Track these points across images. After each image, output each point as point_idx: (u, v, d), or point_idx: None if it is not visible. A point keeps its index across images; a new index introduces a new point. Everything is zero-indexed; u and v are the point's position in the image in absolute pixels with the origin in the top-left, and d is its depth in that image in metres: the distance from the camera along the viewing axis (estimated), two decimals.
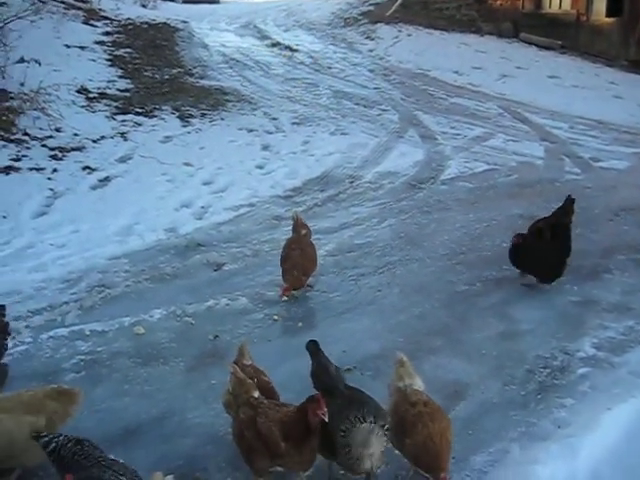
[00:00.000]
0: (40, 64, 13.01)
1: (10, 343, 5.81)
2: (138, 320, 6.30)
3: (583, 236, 8.67)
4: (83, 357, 5.72)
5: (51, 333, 6.05)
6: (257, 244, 8.19)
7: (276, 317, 6.43)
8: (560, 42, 22.03)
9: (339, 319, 6.46)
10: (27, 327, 6.13)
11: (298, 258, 6.61)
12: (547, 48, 22.00)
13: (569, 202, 7.43)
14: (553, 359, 5.88)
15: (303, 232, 7.04)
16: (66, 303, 6.58)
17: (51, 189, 9.25)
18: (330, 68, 19.28)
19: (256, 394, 4.00)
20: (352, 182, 10.70)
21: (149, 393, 5.25)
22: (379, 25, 23.86)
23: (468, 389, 5.37)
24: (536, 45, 22.28)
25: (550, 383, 5.51)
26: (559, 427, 4.88)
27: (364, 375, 5.52)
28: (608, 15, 20.94)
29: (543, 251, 7.03)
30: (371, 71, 19.35)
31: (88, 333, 6.08)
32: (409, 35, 22.98)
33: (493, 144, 13.09)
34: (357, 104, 15.68)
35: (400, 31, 23.21)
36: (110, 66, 16.64)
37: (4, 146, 10.51)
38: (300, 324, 6.34)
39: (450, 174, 11.19)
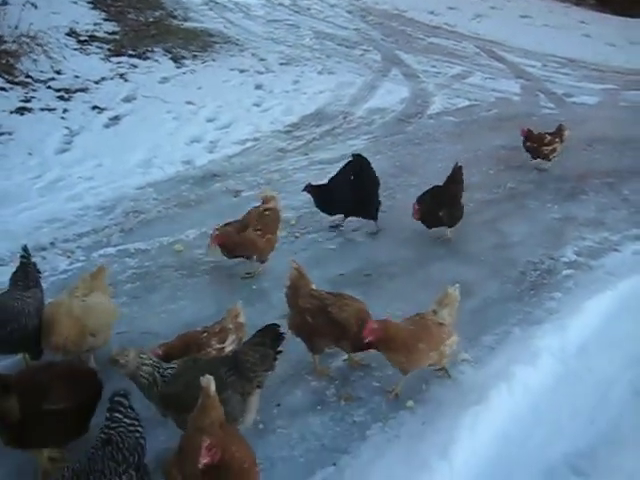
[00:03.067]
0: (37, 7, 13.24)
1: (67, 262, 6.61)
2: (175, 240, 7.06)
3: (560, 164, 9.65)
4: (134, 271, 6.47)
5: (101, 252, 6.78)
6: (267, 173, 8.94)
7: (297, 235, 7.23)
8: None
9: (353, 236, 7.28)
10: (78, 247, 6.84)
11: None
12: None
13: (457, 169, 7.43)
14: (541, 263, 6.84)
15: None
16: (107, 227, 7.29)
17: (67, 127, 9.78)
18: (309, 9, 19.65)
19: (314, 286, 4.84)
20: (345, 117, 11.43)
21: (200, 297, 6.05)
22: None
23: (472, 287, 6.27)
24: None
25: (540, 282, 6.47)
26: (550, 314, 5.84)
27: (381, 277, 6.39)
28: None
29: None
30: (349, 12, 19.78)
31: (133, 251, 6.83)
32: None
33: (472, 81, 13.87)
34: (339, 45, 16.22)
35: None
36: (93, 9, 16.73)
37: (11, 88, 10.91)
38: (320, 238, 7.14)
39: (435, 109, 11.98)
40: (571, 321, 5.59)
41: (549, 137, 9.29)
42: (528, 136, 9.26)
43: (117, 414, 3.56)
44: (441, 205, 7.02)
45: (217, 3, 19.07)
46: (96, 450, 3.48)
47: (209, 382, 3.52)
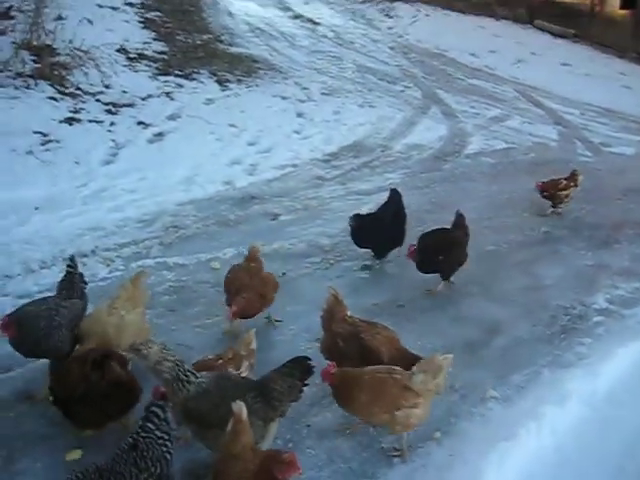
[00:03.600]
0: (92, 23, 13.68)
1: (106, 270, 6.78)
2: (213, 257, 7.22)
3: (595, 212, 9.72)
4: (172, 284, 6.63)
5: (139, 263, 6.95)
6: (305, 200, 9.11)
7: (332, 262, 7.33)
8: (573, 31, 22.84)
9: (387, 267, 7.39)
10: (118, 257, 7.03)
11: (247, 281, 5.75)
12: (560, 36, 22.82)
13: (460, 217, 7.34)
14: (572, 308, 6.86)
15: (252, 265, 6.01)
16: (147, 239, 7.48)
17: (113, 140, 10.06)
18: (352, 43, 20.04)
19: (349, 312, 4.94)
20: (383, 151, 11.60)
21: None
22: (397, 3, 24.55)
23: (502, 327, 6.33)
24: (550, 32, 23.09)
25: (571, 327, 6.50)
26: (580, 359, 5.86)
27: (414, 310, 6.48)
28: (622, 7, 21.78)
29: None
30: (391, 48, 20.13)
31: (172, 265, 6.99)
32: (427, 15, 23.70)
33: (510, 125, 14.00)
34: (381, 79, 16.50)
35: (418, 10, 23.92)
36: (143, 28, 17.23)
37: (62, 99, 11.25)
38: (354, 267, 7.26)
39: (472, 149, 12.11)
40: (601, 367, 5.61)
41: (564, 182, 9.40)
42: (543, 188, 9.35)
43: (150, 424, 3.62)
44: (441, 250, 6.82)
45: (263, 31, 19.55)
46: (121, 453, 3.56)
47: (241, 409, 3.58)
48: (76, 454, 4.31)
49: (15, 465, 4.21)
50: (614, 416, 5.07)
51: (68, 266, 5.12)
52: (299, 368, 4.15)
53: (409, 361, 4.52)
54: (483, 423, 4.86)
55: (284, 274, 6.95)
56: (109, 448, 4.23)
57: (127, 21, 17.28)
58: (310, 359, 4.22)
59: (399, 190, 7.60)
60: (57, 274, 6.46)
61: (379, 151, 11.55)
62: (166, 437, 3.64)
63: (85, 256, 6.99)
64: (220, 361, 4.60)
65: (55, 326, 4.71)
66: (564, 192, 9.35)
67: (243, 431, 3.56)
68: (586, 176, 10.96)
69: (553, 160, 12.01)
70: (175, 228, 7.81)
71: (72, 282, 5.02)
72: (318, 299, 6.30)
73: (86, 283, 5.26)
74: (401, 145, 11.97)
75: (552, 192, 9.32)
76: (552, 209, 9.46)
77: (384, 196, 9.19)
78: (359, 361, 4.64)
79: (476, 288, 7.12)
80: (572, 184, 9.43)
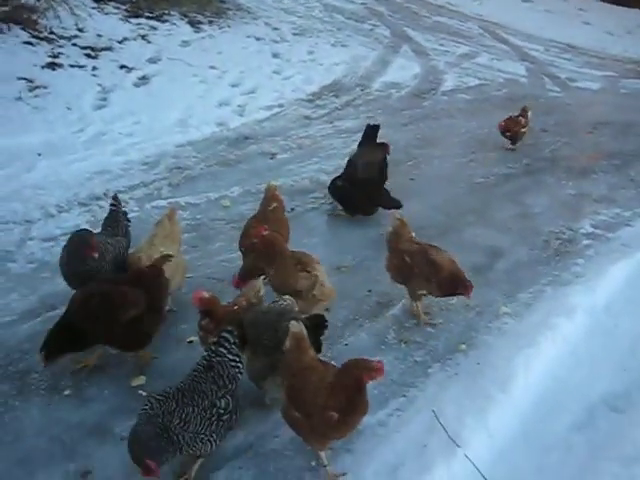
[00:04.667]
0: None
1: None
2: (221, 195, 7.49)
3: (569, 144, 10.29)
4: (188, 222, 6.87)
5: (153, 204, 7.17)
6: (297, 139, 9.38)
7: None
8: None
9: None
10: (131, 199, 7.22)
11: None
12: None
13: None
14: (562, 233, 7.40)
15: (273, 205, 6.03)
16: (155, 181, 7.68)
17: (99, 84, 10.06)
18: None
19: (413, 234, 5.35)
20: (363, 90, 11.87)
21: None
22: None
23: (502, 251, 6.83)
24: None
25: (563, 250, 7.03)
26: (577, 277, 6.40)
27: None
28: None
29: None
30: None
31: (184, 204, 7.23)
32: None
33: (479, 61, 14.38)
34: (348, 18, 16.59)
35: None
36: None
37: (37, 43, 11.10)
38: None
39: (448, 87, 12.48)
40: (597, 283, 6.16)
41: (523, 120, 9.61)
42: (506, 128, 9.56)
43: (222, 349, 3.90)
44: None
45: None
46: (199, 373, 3.86)
47: (300, 326, 3.95)
48: (140, 380, 4.64)
49: (83, 393, 4.51)
50: (613, 324, 5.65)
51: (112, 204, 5.36)
52: (314, 321, 4.31)
53: (461, 281, 5.16)
54: (501, 335, 5.36)
55: (293, 210, 7.26)
56: (167, 372, 4.63)
57: None
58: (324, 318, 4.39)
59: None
60: (76, 217, 6.76)
61: (359, 90, 11.80)
62: (237, 359, 3.96)
63: (98, 199, 7.18)
64: (236, 307, 4.71)
65: (102, 261, 4.95)
66: (523, 129, 9.61)
67: (306, 346, 3.94)
68: (558, 110, 11.53)
69: (525, 96, 12.45)
70: (179, 169, 8.01)
71: (117, 220, 5.27)
72: (329, 231, 6.73)
73: (129, 221, 5.49)
74: (379, 84, 12.24)
75: (515, 130, 9.55)
76: (511, 146, 9.71)
77: None
78: (422, 275, 5.13)
79: (473, 217, 7.58)
80: (524, 121, 9.63)
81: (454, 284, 5.17)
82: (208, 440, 3.68)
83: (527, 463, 4.14)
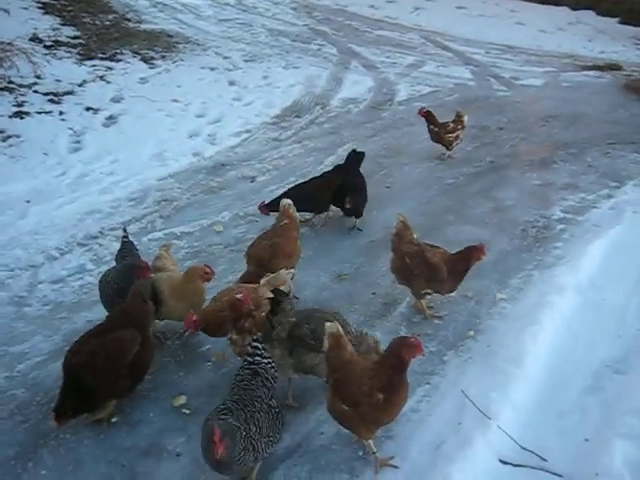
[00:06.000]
0: (9, 13, 13.46)
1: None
2: (213, 221, 7.78)
3: (526, 139, 10.89)
4: (187, 250, 7.16)
5: (149, 236, 7.42)
6: (272, 161, 9.73)
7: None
8: None
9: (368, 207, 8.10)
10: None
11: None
12: None
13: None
14: (536, 222, 7.92)
15: (284, 222, 6.34)
16: (146, 215, 7.92)
17: (70, 128, 10.24)
18: (255, 8, 20.37)
19: (415, 236, 5.72)
20: (323, 108, 12.29)
21: None
22: None
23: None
24: None
25: (541, 236, 7.54)
26: (559, 259, 6.91)
27: None
28: None
29: None
30: (294, 9, 20.62)
31: (179, 234, 7.50)
32: None
33: (427, 70, 14.98)
34: (294, 40, 17.04)
35: None
36: (45, 14, 16.94)
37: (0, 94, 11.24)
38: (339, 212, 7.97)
39: (402, 96, 13.01)
40: (578, 263, 6.67)
41: (452, 125, 9.61)
42: (429, 118, 9.64)
43: (257, 357, 4.22)
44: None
45: (165, 5, 19.56)
46: (248, 382, 4.13)
47: (336, 325, 4.30)
48: (181, 399, 4.91)
49: (130, 418, 4.76)
50: (601, 298, 6.16)
51: (123, 236, 5.66)
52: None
53: (461, 275, 5.59)
54: (503, 318, 5.81)
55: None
56: (205, 390, 4.91)
57: (26, 8, 16.90)
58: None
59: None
60: (79, 257, 6.99)
61: (319, 108, 12.22)
62: (271, 361, 4.30)
63: (95, 237, 7.39)
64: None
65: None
66: (452, 135, 9.65)
67: (344, 342, 4.28)
68: (509, 108, 12.18)
69: (475, 98, 13.09)
70: (167, 201, 8.26)
71: (130, 249, 5.57)
72: (322, 244, 7.09)
73: (137, 250, 5.80)
74: (337, 100, 12.68)
75: (438, 130, 9.64)
76: (447, 152, 9.86)
77: (341, 149, 10.02)
78: (424, 275, 5.47)
79: (451, 216, 8.04)
80: (459, 126, 9.71)
81: (463, 269, 5.58)
82: (274, 440, 4.00)
83: (549, 427, 4.56)
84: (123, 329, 4.59)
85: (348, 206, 7.55)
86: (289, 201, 6.43)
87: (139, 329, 4.65)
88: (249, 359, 4.26)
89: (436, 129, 9.71)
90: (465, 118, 9.75)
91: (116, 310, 4.91)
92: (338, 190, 7.58)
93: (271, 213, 7.12)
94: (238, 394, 4.05)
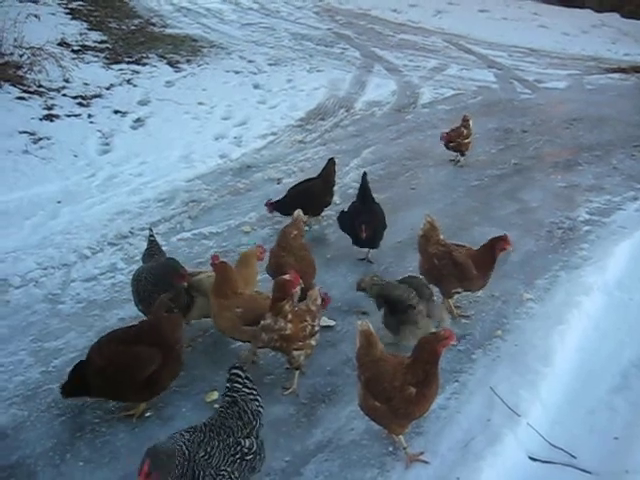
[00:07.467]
0: (40, 18, 13.70)
1: None
2: (241, 222, 7.88)
3: (551, 142, 10.88)
4: (216, 249, 7.24)
5: (178, 237, 7.53)
6: (297, 163, 9.82)
7: None
8: None
9: (394, 208, 8.17)
10: (157, 234, 7.43)
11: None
12: None
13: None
14: (562, 223, 7.93)
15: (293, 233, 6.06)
16: (175, 216, 8.04)
17: (99, 131, 10.43)
18: (278, 12, 20.57)
19: (442, 237, 5.79)
20: (347, 110, 12.37)
21: None
22: None
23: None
24: None
25: (567, 238, 7.56)
26: (585, 260, 6.92)
27: None
28: None
29: None
30: (316, 13, 20.79)
31: (207, 234, 7.60)
32: None
33: (450, 73, 15.02)
34: (318, 44, 17.18)
35: None
36: (73, 19, 17.23)
37: (30, 98, 11.45)
38: None
39: (426, 99, 13.06)
40: (605, 264, 6.68)
41: (465, 130, 9.51)
42: (449, 139, 9.58)
43: (236, 384, 3.86)
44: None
45: (189, 10, 19.82)
46: (225, 409, 3.82)
47: (368, 324, 4.37)
48: (214, 395, 4.99)
49: (163, 413, 4.85)
50: (627, 298, 6.17)
51: (150, 236, 5.80)
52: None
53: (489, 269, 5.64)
54: (530, 318, 5.84)
55: (310, 227, 7.69)
56: None
57: (53, 13, 17.18)
58: None
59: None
60: (110, 256, 7.11)
61: (343, 111, 12.31)
62: (255, 392, 3.89)
63: (125, 237, 7.51)
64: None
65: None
66: (468, 140, 9.60)
67: (375, 340, 4.35)
68: (533, 111, 12.19)
69: (499, 100, 13.11)
70: (195, 202, 8.38)
71: (159, 248, 5.71)
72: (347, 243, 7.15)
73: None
74: (361, 103, 12.76)
75: (458, 141, 9.57)
76: (461, 158, 9.75)
77: (366, 151, 10.10)
78: (454, 275, 5.54)
79: (477, 217, 8.08)
80: (467, 131, 9.60)
81: (490, 262, 5.60)
82: (229, 478, 3.65)
83: (578, 425, 4.59)
84: (146, 346, 4.58)
85: (364, 235, 6.62)
86: (301, 214, 6.27)
87: (165, 347, 4.62)
88: (227, 385, 3.93)
89: (453, 144, 9.58)
90: (471, 122, 9.59)
91: (148, 323, 4.86)
92: (352, 216, 6.93)
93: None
94: (213, 417, 3.84)
